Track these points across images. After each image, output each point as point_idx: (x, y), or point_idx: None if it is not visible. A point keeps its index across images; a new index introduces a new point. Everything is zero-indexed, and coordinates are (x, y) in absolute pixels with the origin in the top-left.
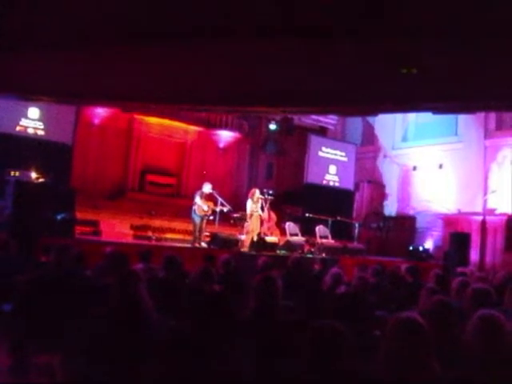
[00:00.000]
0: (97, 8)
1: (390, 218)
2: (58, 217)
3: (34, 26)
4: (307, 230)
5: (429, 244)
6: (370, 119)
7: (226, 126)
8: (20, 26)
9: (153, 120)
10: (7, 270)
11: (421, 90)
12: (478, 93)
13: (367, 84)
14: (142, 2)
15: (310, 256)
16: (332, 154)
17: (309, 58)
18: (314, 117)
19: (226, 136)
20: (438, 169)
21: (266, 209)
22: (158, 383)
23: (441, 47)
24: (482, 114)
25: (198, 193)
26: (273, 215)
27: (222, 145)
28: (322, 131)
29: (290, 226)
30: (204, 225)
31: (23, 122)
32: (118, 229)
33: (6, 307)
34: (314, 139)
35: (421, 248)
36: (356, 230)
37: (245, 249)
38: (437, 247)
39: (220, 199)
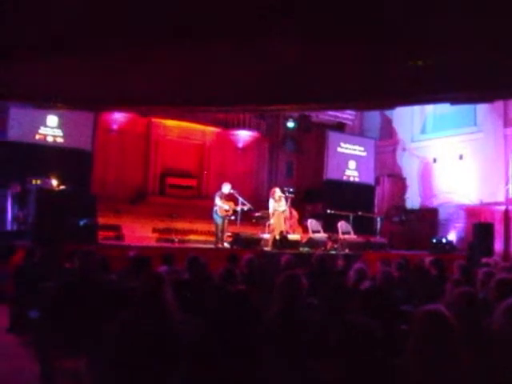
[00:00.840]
0: (109, 11)
1: (412, 211)
2: (81, 223)
3: (46, 33)
4: (329, 226)
5: (452, 236)
6: (388, 113)
7: (243, 126)
8: (32, 33)
9: (170, 123)
10: (33, 278)
11: (437, 81)
12: (495, 81)
13: (383, 77)
14: (154, 3)
15: (333, 252)
16: (351, 149)
17: (322, 53)
18: (331, 113)
19: (244, 136)
20: (459, 160)
21: (287, 207)
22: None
23: (454, 34)
24: (500, 103)
25: (218, 194)
26: (294, 213)
27: (240, 145)
28: (339, 127)
29: (311, 223)
30: (226, 225)
31: (42, 130)
32: (140, 233)
33: (32, 314)
34: (332, 135)
35: (444, 240)
36: (378, 225)
37: (268, 248)
38: (460, 239)
39: (240, 198)
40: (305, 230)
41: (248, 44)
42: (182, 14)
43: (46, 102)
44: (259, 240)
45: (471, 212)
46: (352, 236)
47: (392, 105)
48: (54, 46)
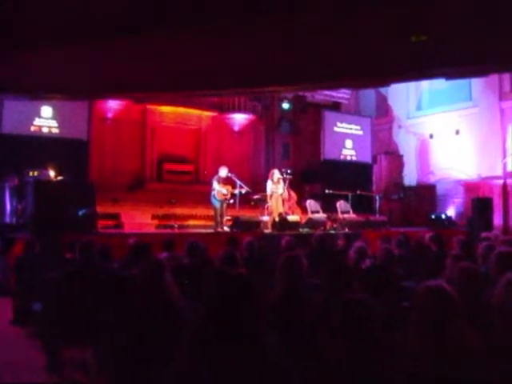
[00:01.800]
0: (103, 1)
1: (410, 187)
2: (80, 213)
3: (40, 24)
4: (328, 206)
5: (451, 211)
6: (383, 90)
7: (239, 109)
8: (26, 24)
9: (165, 109)
10: (34, 270)
11: (432, 56)
12: (490, 55)
13: (376, 53)
14: None
15: (332, 232)
16: (347, 128)
17: (315, 31)
18: (326, 92)
19: (239, 119)
20: (455, 135)
21: (285, 188)
22: (189, 368)
23: (452, 8)
24: (495, 77)
25: (215, 178)
26: (293, 194)
27: (236, 128)
28: (335, 106)
29: (310, 204)
30: (225, 209)
31: (37, 121)
32: (139, 220)
33: (36, 306)
34: (328, 115)
35: (443, 216)
36: (377, 203)
37: (267, 230)
38: (459, 214)
39: (238, 182)
40: (304, 210)
41: (241, 26)
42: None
43: (41, 93)
44: (259, 222)
45: (469, 187)
46: (351, 215)
47: (387, 82)
48: (48, 38)
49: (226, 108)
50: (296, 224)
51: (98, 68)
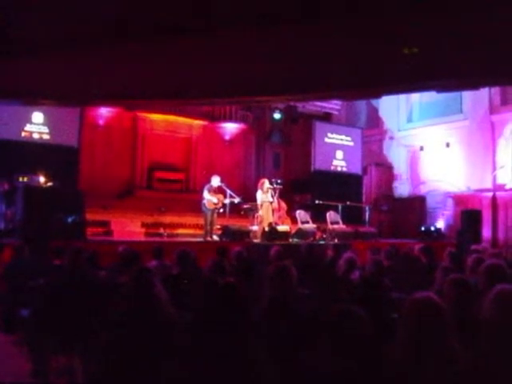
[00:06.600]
0: (94, 8)
1: (400, 199)
2: (69, 219)
3: (33, 30)
4: (318, 216)
5: (440, 223)
6: (374, 102)
7: (230, 119)
8: (20, 32)
9: (157, 117)
10: (22, 276)
11: (424, 69)
12: (482, 69)
13: (368, 65)
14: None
15: (322, 243)
16: (338, 139)
17: (305, 41)
18: (318, 103)
19: (231, 128)
20: (445, 148)
21: (275, 198)
22: (178, 378)
23: (443, 22)
24: (486, 90)
25: (207, 187)
26: (283, 204)
27: (227, 137)
28: (326, 117)
29: (300, 214)
30: (215, 218)
31: (28, 127)
32: (129, 227)
33: (23, 312)
34: (319, 126)
35: (432, 228)
36: (367, 214)
37: (257, 239)
38: (448, 226)
39: (229, 191)
40: (294, 220)
41: (234, 36)
42: (168, 11)
43: (32, 98)
44: (248, 232)
45: (459, 199)
46: (341, 226)
47: (378, 93)
48: (40, 44)
49: (216, 117)
50: (285, 234)
51: (86, 75)
